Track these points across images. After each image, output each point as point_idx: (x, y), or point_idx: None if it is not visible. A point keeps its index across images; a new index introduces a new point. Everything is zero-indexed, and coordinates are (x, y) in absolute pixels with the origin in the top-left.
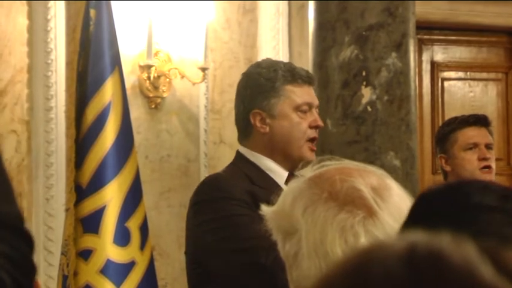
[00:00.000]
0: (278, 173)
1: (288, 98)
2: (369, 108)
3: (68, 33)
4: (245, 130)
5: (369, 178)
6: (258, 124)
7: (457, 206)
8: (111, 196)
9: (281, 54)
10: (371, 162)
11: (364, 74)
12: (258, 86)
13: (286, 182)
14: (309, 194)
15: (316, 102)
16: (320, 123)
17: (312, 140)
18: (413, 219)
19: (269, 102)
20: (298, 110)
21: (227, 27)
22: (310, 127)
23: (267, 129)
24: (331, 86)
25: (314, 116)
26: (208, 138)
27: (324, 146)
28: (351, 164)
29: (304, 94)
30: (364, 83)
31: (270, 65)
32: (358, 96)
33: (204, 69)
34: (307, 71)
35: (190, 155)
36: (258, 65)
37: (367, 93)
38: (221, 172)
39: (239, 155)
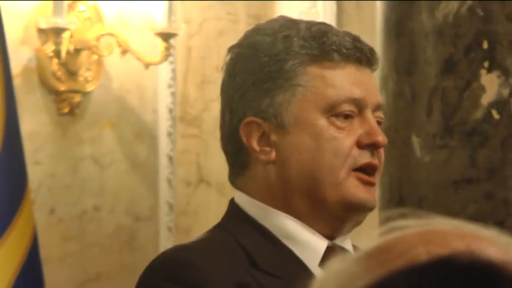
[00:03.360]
0: (307, 243)
1: (311, 91)
2: (496, 115)
3: None
4: (237, 161)
5: (484, 249)
6: (256, 145)
7: None
8: None
9: (320, 9)
10: (498, 220)
11: (486, 46)
12: (254, 71)
13: (324, 260)
14: (365, 283)
15: (373, 98)
16: (380, 137)
17: (364, 169)
18: None
19: (273, 101)
20: (332, 113)
21: None
22: (361, 145)
23: (273, 154)
24: (420, 70)
25: (368, 123)
26: (176, 175)
27: (406, 188)
28: (448, 224)
29: (345, 81)
30: (487, 64)
31: (279, 29)
32: (474, 90)
33: (167, 37)
34: (354, 37)
35: (141, 208)
36: (258, 29)
37: (492, 85)
38: (193, 244)
39: (234, 209)
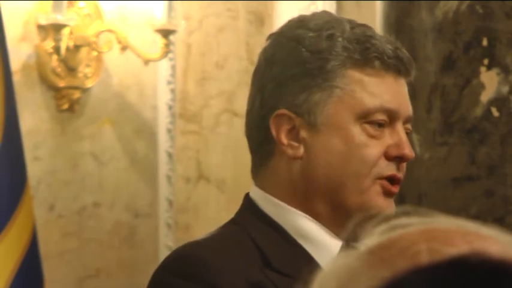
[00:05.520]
0: (322, 242)
1: (348, 95)
2: (496, 113)
3: None
4: (261, 150)
5: (486, 246)
6: (285, 138)
7: None
8: None
9: (320, 6)
10: (498, 217)
11: (486, 43)
12: (294, 64)
13: None
14: (368, 278)
15: (406, 110)
16: (408, 150)
17: (389, 179)
18: None
19: (309, 99)
20: (366, 120)
21: None
22: (389, 156)
23: (300, 150)
24: (420, 67)
25: (398, 135)
26: (175, 171)
27: (405, 185)
28: (451, 222)
29: (383, 91)
30: (486, 61)
31: (324, 26)
32: (474, 87)
33: (167, 34)
34: (396, 46)
35: (141, 205)
36: (302, 21)
37: (492, 82)
38: (206, 241)
39: (249, 205)
